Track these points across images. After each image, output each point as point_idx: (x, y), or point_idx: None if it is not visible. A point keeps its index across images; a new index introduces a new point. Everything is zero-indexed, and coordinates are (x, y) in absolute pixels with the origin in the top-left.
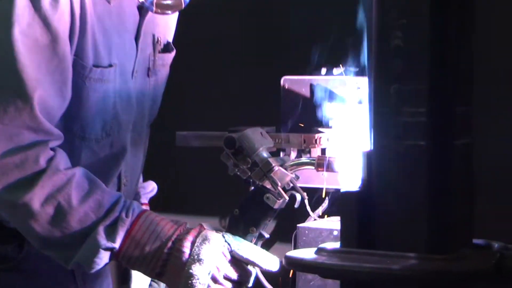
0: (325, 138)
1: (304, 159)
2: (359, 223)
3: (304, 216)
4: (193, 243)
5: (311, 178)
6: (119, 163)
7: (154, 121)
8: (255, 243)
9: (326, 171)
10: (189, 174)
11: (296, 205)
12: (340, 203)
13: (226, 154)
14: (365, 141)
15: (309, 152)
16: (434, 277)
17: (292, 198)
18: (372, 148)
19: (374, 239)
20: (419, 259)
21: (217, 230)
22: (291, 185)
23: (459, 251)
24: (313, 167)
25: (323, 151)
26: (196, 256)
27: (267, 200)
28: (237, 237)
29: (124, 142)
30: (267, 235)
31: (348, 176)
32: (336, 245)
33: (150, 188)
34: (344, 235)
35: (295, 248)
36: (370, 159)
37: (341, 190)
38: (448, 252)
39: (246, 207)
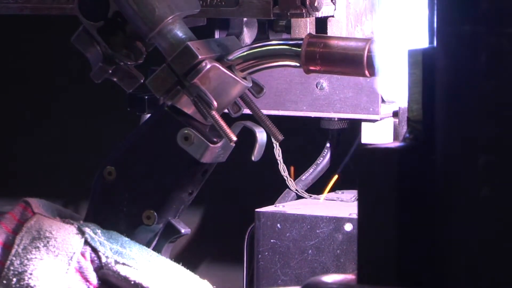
0: None
1: (275, 42)
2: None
3: (274, 191)
4: (6, 246)
5: (291, 96)
6: None
7: None
8: (157, 245)
9: (329, 71)
10: None
11: (254, 156)
12: (360, 173)
13: (84, 32)
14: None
15: (286, 28)
16: None
17: (245, 140)
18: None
19: (448, 267)
20: None
21: (67, 216)
22: (243, 110)
23: None
24: (297, 64)
25: (321, 24)
26: (13, 279)
27: (183, 142)
28: (114, 233)
29: None
30: (184, 229)
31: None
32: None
33: None
34: (368, 251)
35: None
36: (431, 63)
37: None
38: None
39: (133, 162)
